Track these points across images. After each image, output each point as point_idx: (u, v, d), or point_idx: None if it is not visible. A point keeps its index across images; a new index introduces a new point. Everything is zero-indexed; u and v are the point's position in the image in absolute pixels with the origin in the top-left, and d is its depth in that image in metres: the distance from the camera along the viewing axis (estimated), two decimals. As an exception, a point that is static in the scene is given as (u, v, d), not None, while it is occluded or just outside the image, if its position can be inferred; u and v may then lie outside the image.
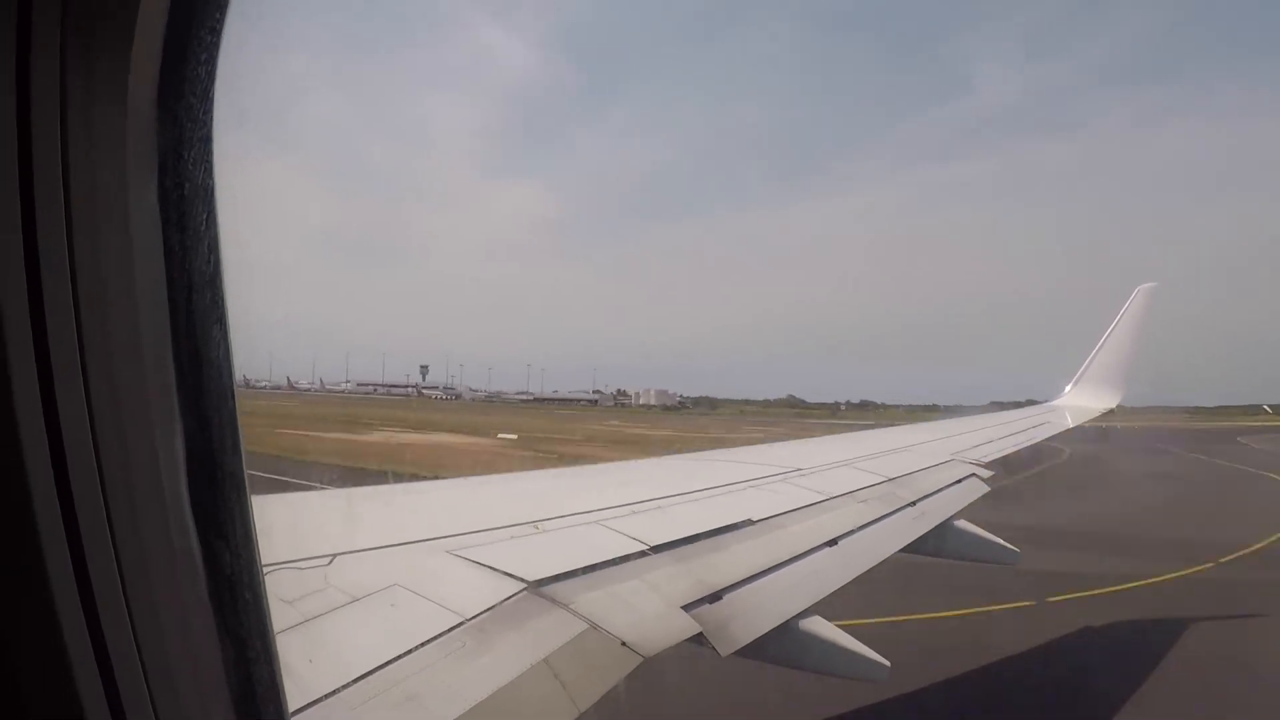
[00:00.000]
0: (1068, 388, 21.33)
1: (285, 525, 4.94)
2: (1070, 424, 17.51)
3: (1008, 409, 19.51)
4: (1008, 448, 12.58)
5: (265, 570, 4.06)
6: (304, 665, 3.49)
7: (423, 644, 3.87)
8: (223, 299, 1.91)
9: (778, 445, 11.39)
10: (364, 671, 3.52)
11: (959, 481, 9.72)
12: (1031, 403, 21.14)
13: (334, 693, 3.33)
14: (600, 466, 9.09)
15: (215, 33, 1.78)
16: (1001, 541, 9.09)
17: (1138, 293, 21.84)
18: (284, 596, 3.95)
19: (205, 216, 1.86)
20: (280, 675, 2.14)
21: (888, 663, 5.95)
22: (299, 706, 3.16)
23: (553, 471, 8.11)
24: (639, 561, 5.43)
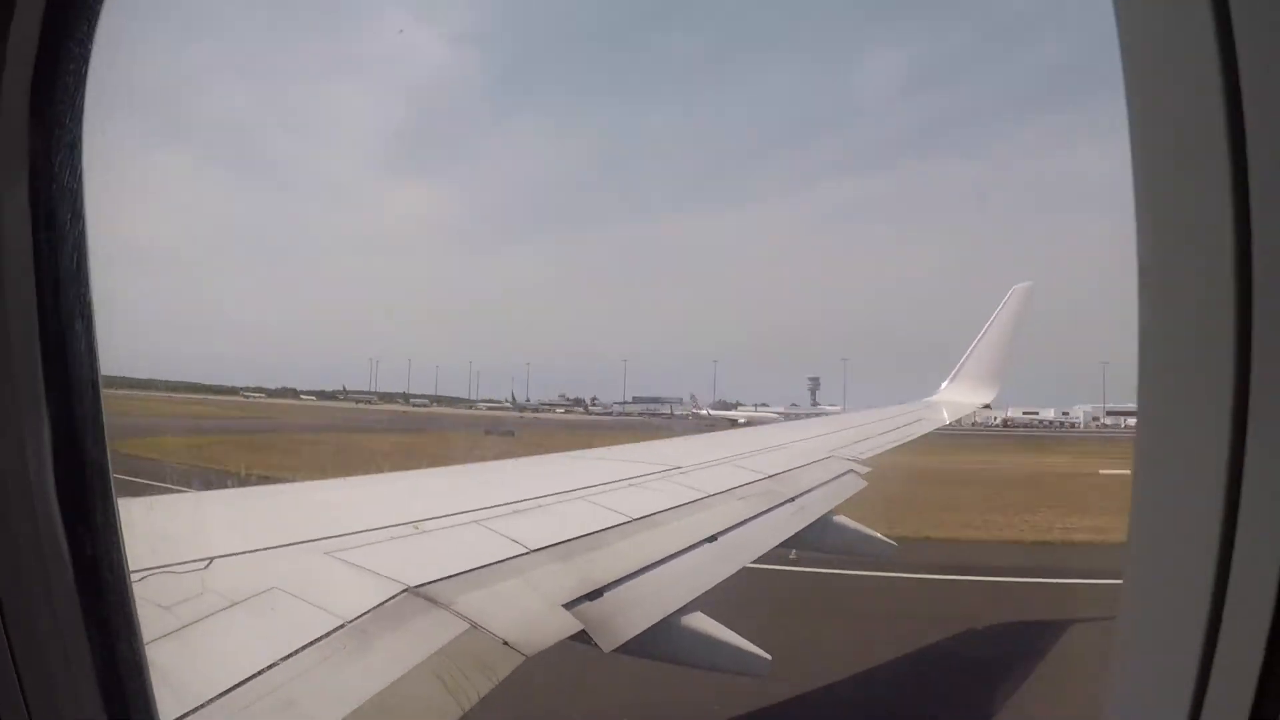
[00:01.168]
0: (944, 384, 21.59)
1: (162, 528, 4.85)
2: (946, 419, 17.87)
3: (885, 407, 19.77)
4: (884, 445, 12.83)
5: (142, 575, 4.00)
6: (181, 672, 3.43)
7: (303, 648, 3.84)
8: (88, 295, 1.92)
9: (659, 443, 11.46)
10: (243, 677, 3.48)
11: (837, 478, 9.91)
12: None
13: (212, 700, 3.29)
14: (480, 465, 9.03)
15: (85, 43, 1.80)
16: (878, 535, 9.32)
17: (1013, 292, 22.39)
18: (160, 602, 3.87)
19: (70, 216, 1.86)
20: (150, 683, 2.13)
21: (769, 656, 6.06)
22: (177, 716, 3.11)
23: (432, 470, 7.94)
24: (520, 560, 5.45)
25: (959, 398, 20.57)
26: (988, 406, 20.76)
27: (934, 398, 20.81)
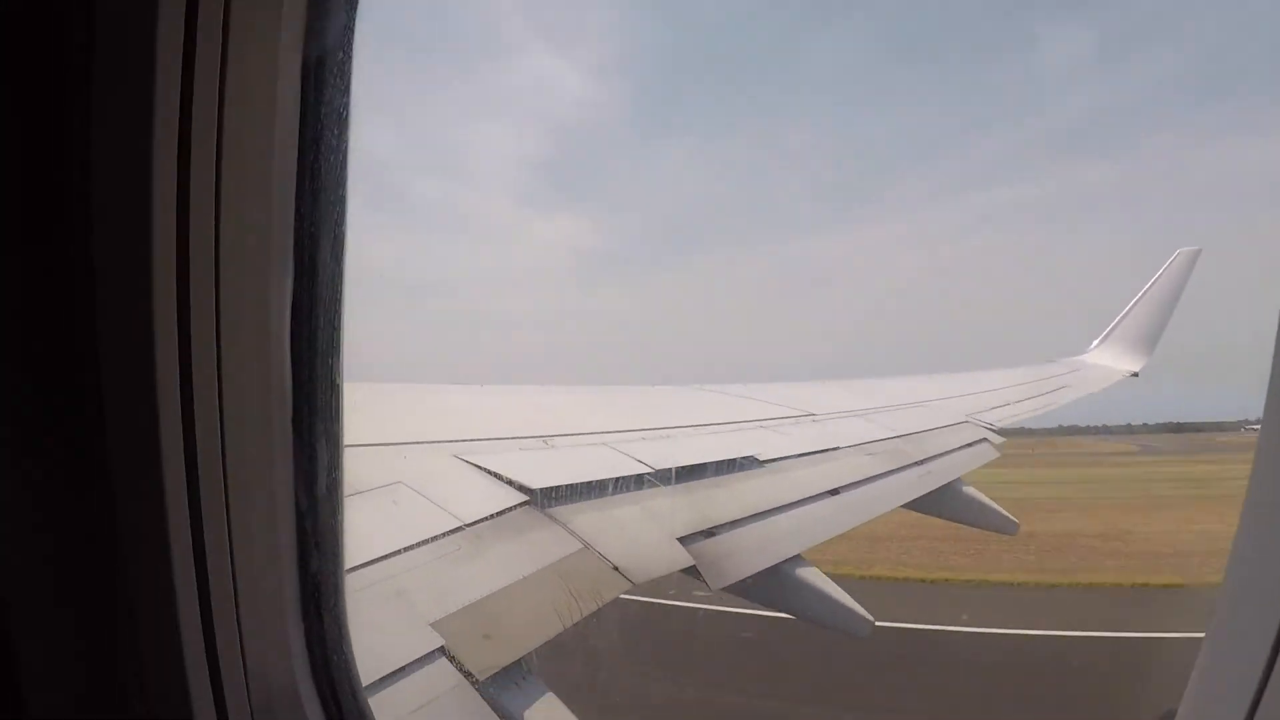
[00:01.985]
0: (1094, 343, 20.58)
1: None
2: (1095, 390, 16.82)
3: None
4: (1024, 412, 12.44)
5: None
6: None
7: (419, 543, 3.95)
8: (345, 193, 2.06)
9: (799, 386, 11.27)
10: (356, 564, 3.60)
11: (969, 445, 9.67)
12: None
13: None
14: (617, 388, 9.05)
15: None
16: (1003, 511, 9.06)
17: (1178, 254, 21.30)
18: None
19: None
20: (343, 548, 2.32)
21: (872, 618, 6.01)
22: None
23: (569, 387, 7.96)
24: (641, 489, 5.48)
25: (1107, 361, 19.46)
26: (1135, 374, 19.52)
27: (1082, 357, 19.83)
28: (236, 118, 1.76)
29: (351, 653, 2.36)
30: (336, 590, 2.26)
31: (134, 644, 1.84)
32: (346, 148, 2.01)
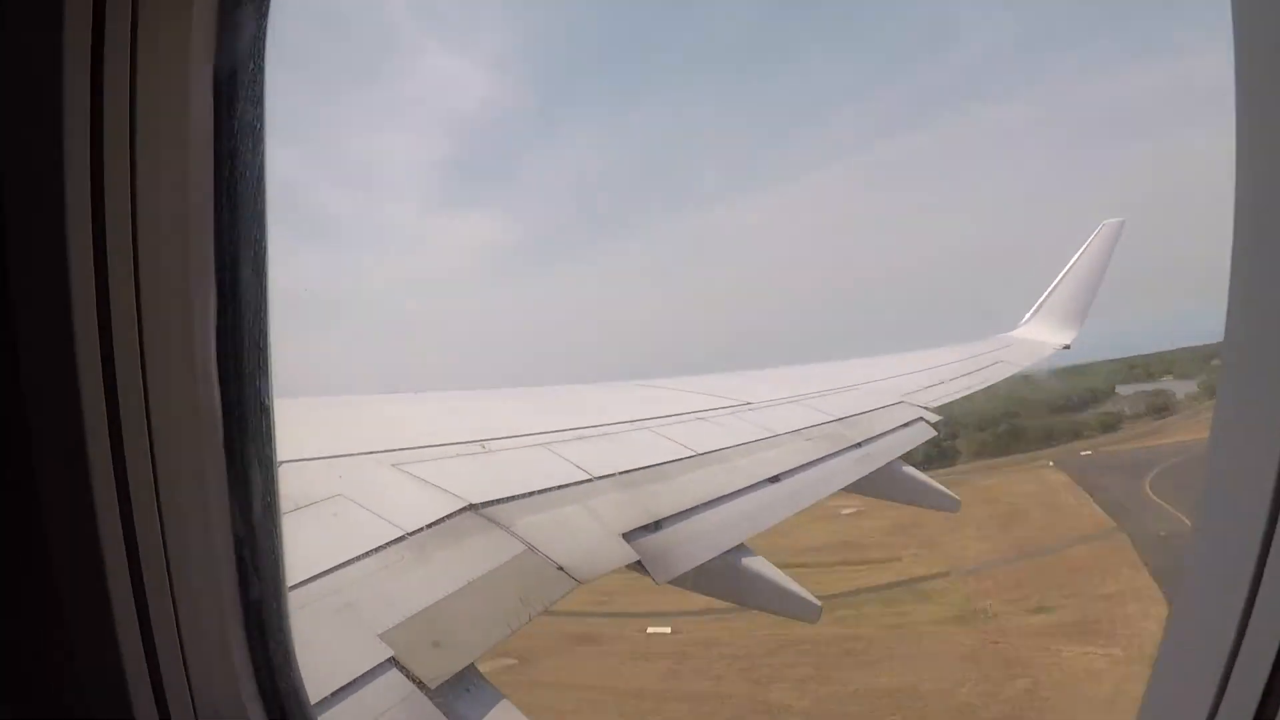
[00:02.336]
0: (1025, 318, 20.72)
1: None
2: (1027, 364, 16.80)
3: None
4: (958, 390, 12.57)
5: None
6: None
7: (363, 555, 3.93)
8: (263, 208, 2.03)
9: (731, 375, 11.30)
10: (303, 579, 3.58)
11: (906, 425, 9.78)
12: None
13: None
14: (551, 388, 9.04)
15: None
16: (942, 488, 9.18)
17: (1102, 227, 21.47)
18: None
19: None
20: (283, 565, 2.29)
21: (819, 603, 6.07)
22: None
23: (503, 390, 7.94)
24: (582, 487, 5.49)
25: (1039, 335, 19.67)
26: (1067, 347, 19.66)
27: (1013, 333, 19.95)
28: (149, 133, 1.73)
29: (295, 663, 2.33)
30: (279, 603, 2.23)
31: (70, 651, 1.82)
32: (263, 160, 1.97)
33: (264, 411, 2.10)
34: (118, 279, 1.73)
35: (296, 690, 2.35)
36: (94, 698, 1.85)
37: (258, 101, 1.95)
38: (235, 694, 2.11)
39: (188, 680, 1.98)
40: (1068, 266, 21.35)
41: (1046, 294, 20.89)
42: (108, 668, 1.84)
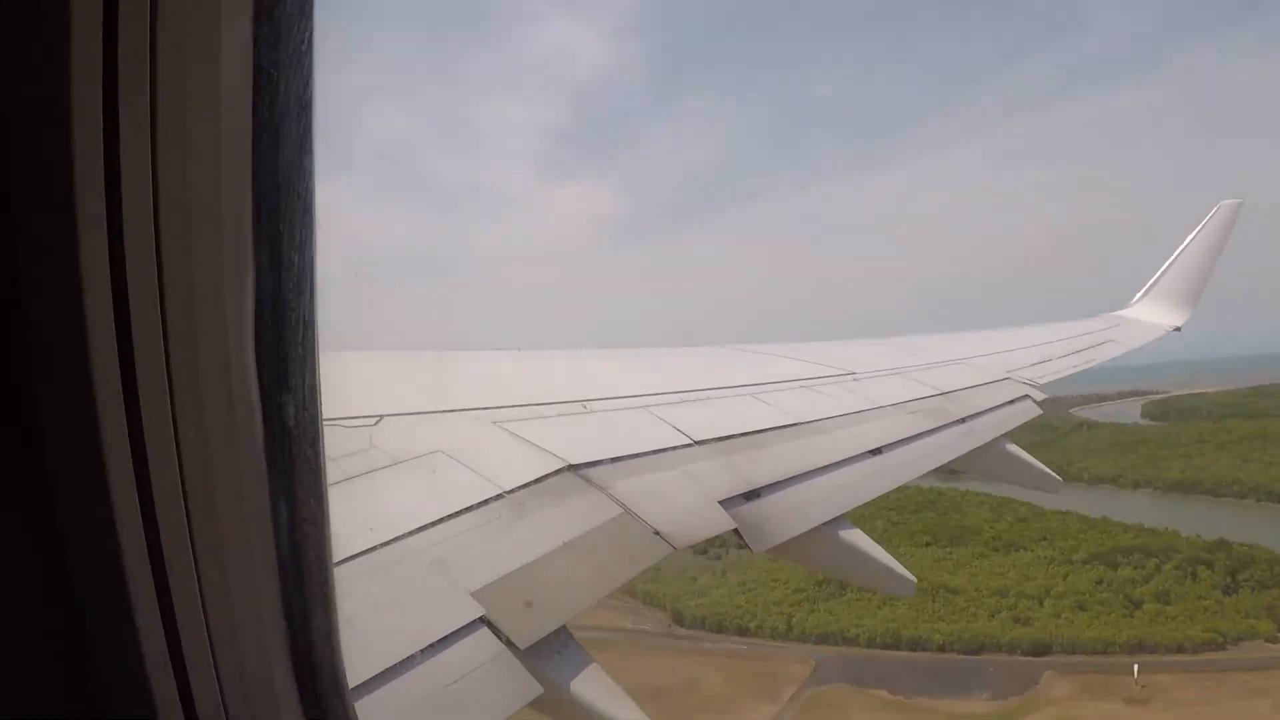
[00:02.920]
0: (1135, 297, 20.01)
1: (334, 382, 5.00)
2: (1137, 342, 16.44)
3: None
4: (1066, 369, 12.24)
5: None
6: (339, 524, 3.55)
7: (459, 512, 3.94)
8: (310, 137, 1.78)
9: (836, 344, 11.17)
10: (398, 534, 3.60)
11: (1011, 402, 9.53)
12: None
13: (364, 552, 3.41)
14: (654, 350, 8.99)
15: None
16: (1045, 468, 8.96)
17: (1219, 207, 20.81)
18: (328, 454, 4.01)
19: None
20: (329, 541, 2.15)
21: (914, 579, 5.97)
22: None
23: (605, 350, 7.91)
24: (682, 451, 5.46)
25: (1149, 316, 19.01)
26: (1178, 329, 19.04)
27: (1123, 312, 19.38)
28: (172, 74, 1.54)
29: (339, 652, 2.28)
30: (324, 590, 2.17)
31: (90, 649, 1.78)
32: (310, 107, 1.75)
33: (310, 401, 1.95)
34: (136, 249, 1.60)
35: (339, 692, 2.30)
36: (116, 697, 1.82)
37: (307, 23, 1.71)
38: (268, 675, 2.07)
39: (218, 680, 1.94)
40: (1181, 246, 20.71)
41: (1159, 274, 20.25)
42: (130, 667, 1.80)
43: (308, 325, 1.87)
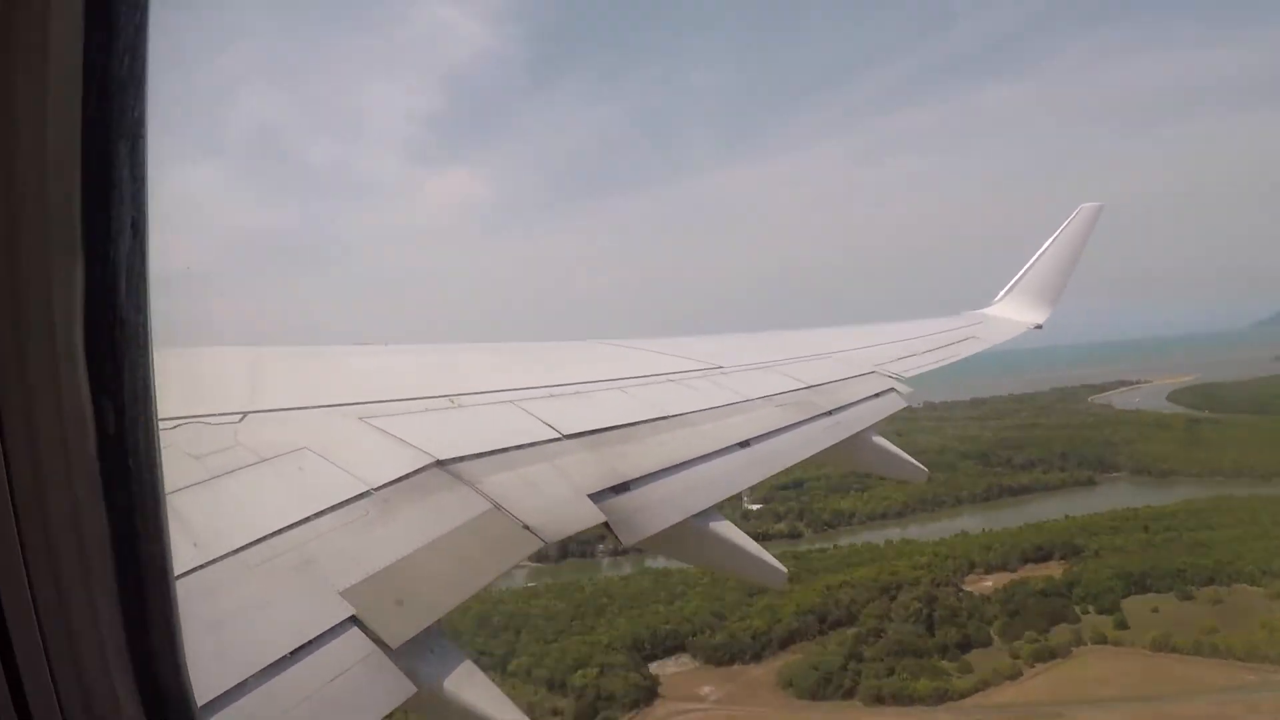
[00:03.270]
0: (999, 295, 20.79)
1: (197, 379, 4.89)
2: (999, 339, 17.25)
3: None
4: (929, 363, 12.61)
5: (175, 423, 4.04)
6: (205, 523, 3.49)
7: (326, 510, 3.89)
8: (143, 119, 1.69)
9: (705, 339, 11.28)
10: (265, 533, 3.54)
11: (877, 395, 9.79)
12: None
13: (233, 553, 3.35)
14: (522, 345, 8.99)
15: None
16: (911, 459, 9.20)
17: (1080, 210, 21.66)
18: (191, 451, 3.94)
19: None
20: (169, 552, 2.07)
21: (785, 570, 6.08)
22: (194, 565, 3.17)
23: (473, 345, 7.88)
24: (550, 445, 5.46)
25: (1012, 314, 19.81)
26: (1039, 327, 19.83)
27: (987, 310, 20.04)
28: None
29: (182, 661, 2.21)
30: (165, 605, 2.09)
31: None
32: (143, 86, 1.64)
33: (144, 401, 1.87)
34: None
35: (183, 691, 2.24)
36: None
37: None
38: (111, 696, 2.01)
39: (53, 683, 1.88)
40: (1044, 247, 21.52)
41: (1021, 273, 21.06)
42: None
43: (142, 323, 1.80)
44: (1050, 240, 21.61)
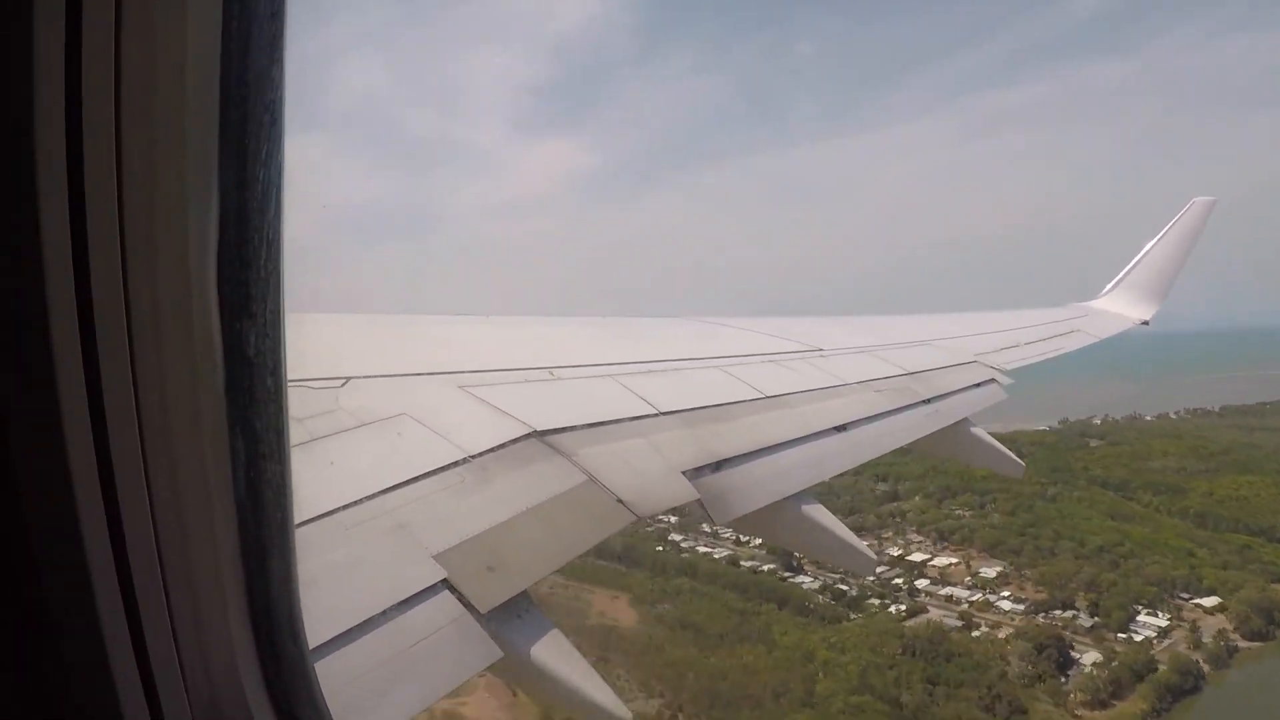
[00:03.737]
0: (1106, 288, 20.17)
1: (302, 343, 4.98)
2: (1106, 333, 16.64)
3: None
4: (1031, 355, 12.32)
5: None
6: (304, 484, 3.55)
7: (423, 475, 3.94)
8: (282, 45, 1.70)
9: (804, 320, 11.20)
10: (361, 496, 3.59)
11: (978, 385, 9.64)
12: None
13: (329, 514, 3.40)
14: (622, 320, 8.99)
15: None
16: (1008, 452, 9.04)
17: (1193, 204, 21.08)
18: (293, 414, 4.00)
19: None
20: (289, 480, 2.08)
21: (875, 557, 6.01)
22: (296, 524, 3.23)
23: (574, 319, 7.93)
24: (647, 421, 5.47)
25: (1118, 308, 19.24)
26: (1146, 323, 19.30)
27: (1092, 303, 19.48)
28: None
29: (308, 661, 2.24)
30: (288, 583, 2.12)
31: (53, 650, 1.71)
32: (283, 14, 1.66)
33: (272, 327, 1.86)
34: (95, 191, 1.51)
35: (310, 688, 2.27)
36: (81, 701, 1.77)
37: None
38: (234, 674, 2.04)
39: (184, 682, 1.91)
40: (1154, 241, 20.95)
41: (1129, 267, 20.47)
42: (95, 670, 1.75)
43: (272, 246, 1.80)
44: (1161, 234, 21.02)
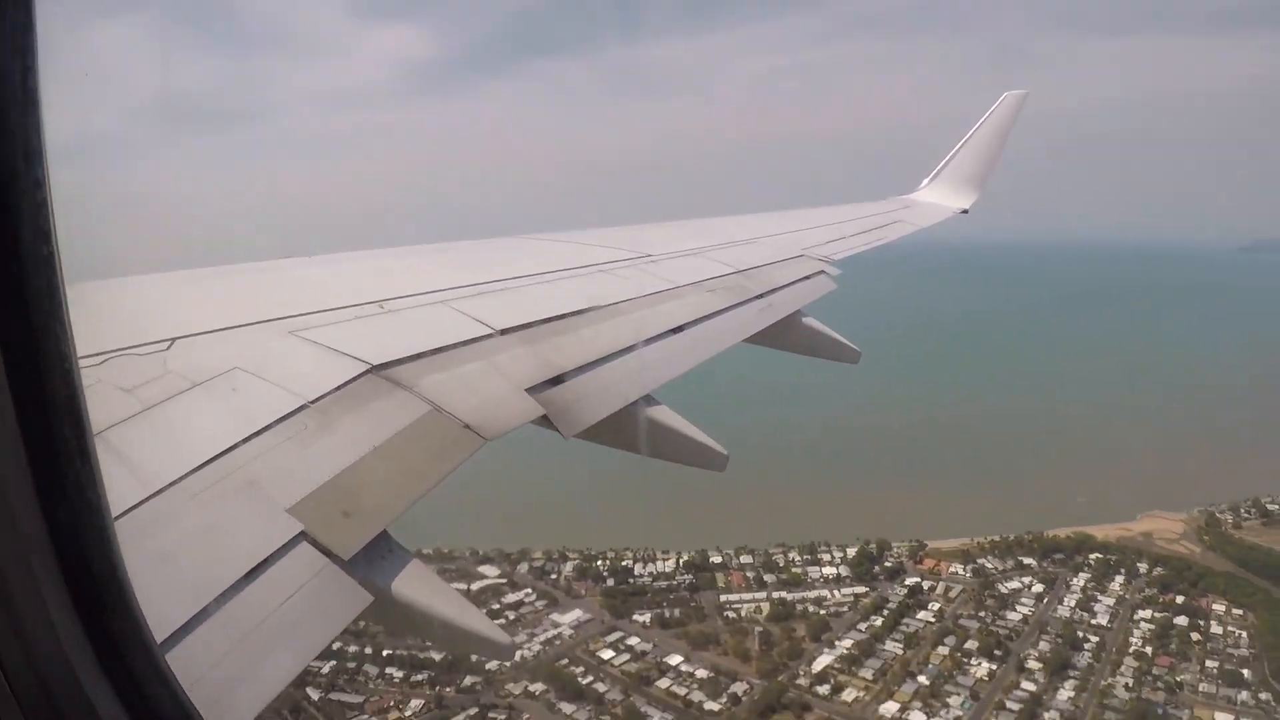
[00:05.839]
0: (924, 182, 21.00)
1: (121, 310, 4.80)
2: (927, 223, 17.43)
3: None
4: (857, 246, 12.78)
5: (102, 358, 3.98)
6: (143, 455, 3.47)
7: (264, 429, 3.89)
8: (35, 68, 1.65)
9: (629, 228, 11.27)
10: (205, 459, 3.52)
11: (807, 278, 9.90)
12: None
13: (175, 482, 3.33)
14: (451, 244, 8.92)
15: None
16: (844, 340, 9.33)
17: (1006, 97, 21.85)
18: (122, 385, 3.88)
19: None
20: (101, 483, 2.01)
21: (726, 452, 6.15)
22: (138, 500, 3.15)
23: (399, 249, 7.81)
24: (484, 343, 5.47)
25: (938, 199, 20.08)
26: (965, 211, 20.10)
27: (912, 195, 20.32)
28: None
29: (142, 627, 2.20)
30: (109, 560, 2.07)
31: None
32: None
33: (61, 350, 1.81)
34: None
35: (154, 667, 2.23)
36: None
37: None
38: (72, 680, 2.00)
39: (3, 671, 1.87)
40: (969, 134, 21.64)
41: (947, 159, 21.21)
42: None
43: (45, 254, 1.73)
44: (975, 126, 21.74)
